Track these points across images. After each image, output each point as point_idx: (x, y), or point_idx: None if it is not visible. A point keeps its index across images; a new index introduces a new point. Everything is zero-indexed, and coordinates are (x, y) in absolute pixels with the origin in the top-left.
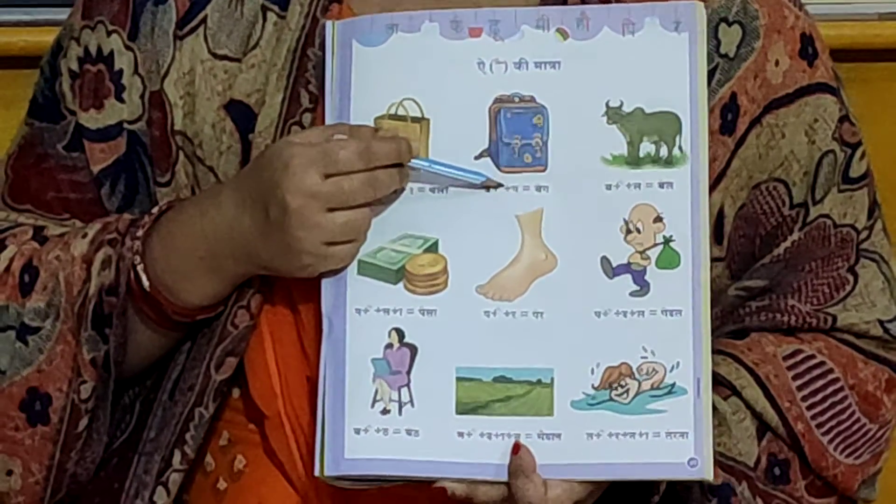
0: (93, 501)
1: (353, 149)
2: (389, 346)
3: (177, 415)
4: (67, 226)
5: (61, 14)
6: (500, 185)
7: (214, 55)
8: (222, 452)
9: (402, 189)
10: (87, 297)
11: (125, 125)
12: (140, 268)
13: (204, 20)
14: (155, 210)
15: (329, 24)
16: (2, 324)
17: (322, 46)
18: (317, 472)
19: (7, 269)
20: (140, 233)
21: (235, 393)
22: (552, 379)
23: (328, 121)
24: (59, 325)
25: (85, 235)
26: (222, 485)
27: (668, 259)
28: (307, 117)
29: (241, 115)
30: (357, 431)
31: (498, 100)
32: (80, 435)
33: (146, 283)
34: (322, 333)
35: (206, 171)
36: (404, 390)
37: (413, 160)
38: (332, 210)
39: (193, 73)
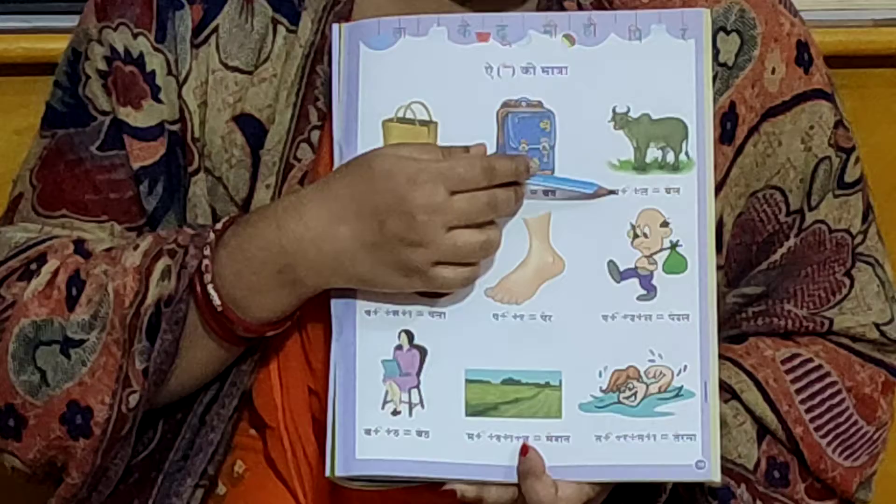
0: None
1: (479, 166)
2: (399, 347)
3: (213, 441)
4: (106, 228)
5: (61, 21)
6: (613, 192)
7: (226, 66)
8: (221, 462)
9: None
10: (143, 308)
11: (167, 125)
12: (210, 287)
13: (216, 30)
14: (219, 225)
15: (336, 27)
16: (46, 338)
17: (331, 63)
18: (327, 473)
19: (51, 282)
20: (208, 250)
21: None
22: (560, 381)
23: (335, 123)
24: (104, 336)
25: (136, 247)
26: (221, 489)
27: (675, 264)
28: (315, 134)
29: (253, 129)
30: (368, 432)
31: (505, 104)
32: (122, 438)
33: (217, 301)
34: (328, 341)
35: (215, 182)
36: (414, 392)
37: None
38: (450, 229)
39: (206, 84)
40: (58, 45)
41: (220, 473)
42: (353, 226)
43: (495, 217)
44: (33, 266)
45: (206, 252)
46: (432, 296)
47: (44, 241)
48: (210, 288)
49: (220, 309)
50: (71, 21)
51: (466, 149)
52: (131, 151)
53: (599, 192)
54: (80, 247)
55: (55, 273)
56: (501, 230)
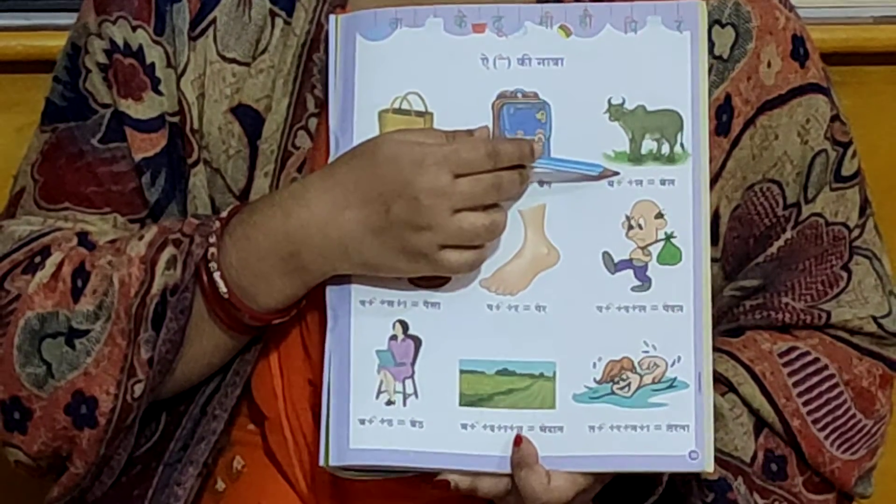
0: None
1: (483, 149)
2: (394, 337)
3: (216, 431)
4: (108, 220)
5: (61, 19)
6: (617, 173)
7: (223, 58)
8: (220, 452)
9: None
10: (149, 297)
11: (167, 117)
12: (217, 274)
13: (213, 22)
14: (224, 213)
15: (333, 17)
16: (52, 330)
17: (327, 51)
18: (321, 463)
19: (55, 274)
20: (213, 239)
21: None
22: (554, 372)
23: (332, 114)
24: (109, 326)
25: (141, 238)
26: (221, 485)
27: (670, 255)
28: (313, 122)
29: (250, 120)
30: (362, 422)
31: (501, 95)
32: (127, 427)
33: (223, 289)
34: (326, 332)
35: (214, 173)
36: (408, 382)
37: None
38: (456, 212)
39: (204, 75)
40: (58, 43)
41: (217, 468)
42: (359, 211)
43: (500, 200)
44: (37, 259)
45: (212, 240)
46: (427, 286)
47: (47, 233)
48: (216, 276)
49: (226, 296)
50: (71, 18)
51: (470, 132)
52: (133, 143)
53: (605, 174)
54: (83, 239)
55: (60, 265)
56: (507, 214)
